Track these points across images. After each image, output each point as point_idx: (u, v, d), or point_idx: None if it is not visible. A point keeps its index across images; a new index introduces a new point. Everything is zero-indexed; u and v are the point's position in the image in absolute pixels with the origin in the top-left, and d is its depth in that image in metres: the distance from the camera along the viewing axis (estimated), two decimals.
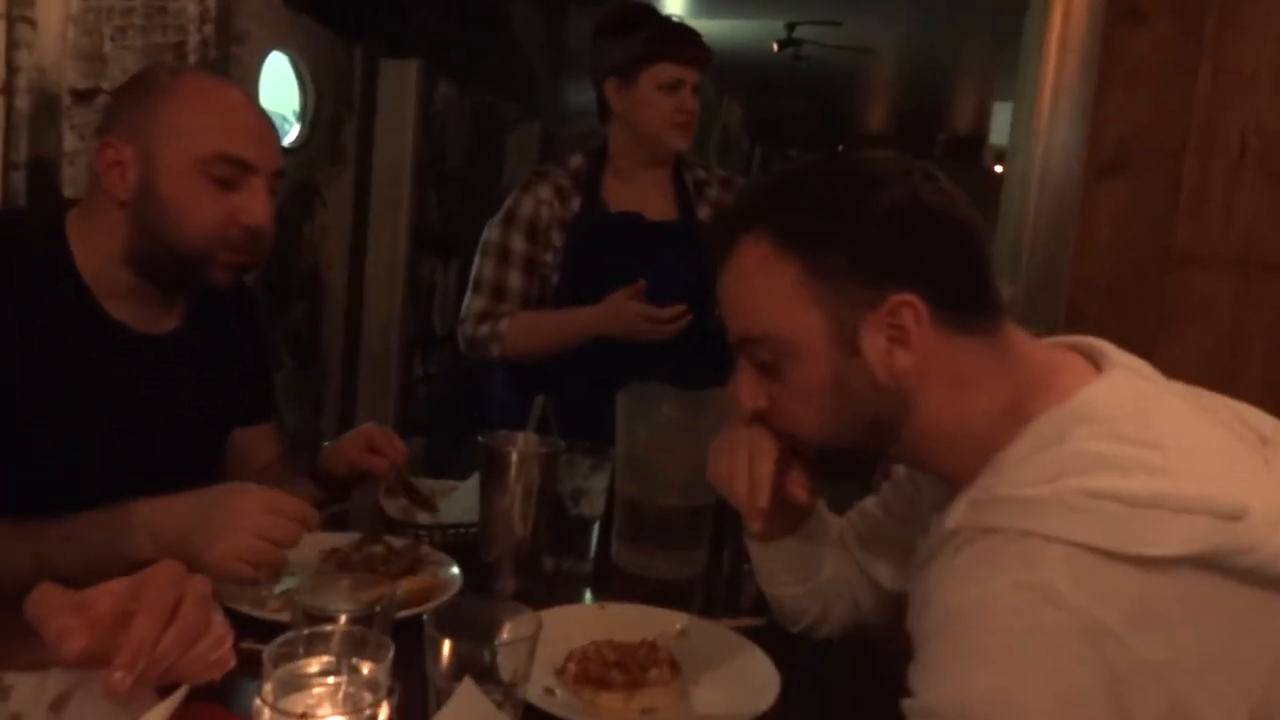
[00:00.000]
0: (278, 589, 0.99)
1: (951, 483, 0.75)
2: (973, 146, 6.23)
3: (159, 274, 1.08)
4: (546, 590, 1.10)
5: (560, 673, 0.86)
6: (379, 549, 1.07)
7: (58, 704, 0.62)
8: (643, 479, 1.20)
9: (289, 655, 0.71)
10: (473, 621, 0.79)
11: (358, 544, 1.09)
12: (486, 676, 0.76)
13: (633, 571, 1.19)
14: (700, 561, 1.21)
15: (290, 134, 2.74)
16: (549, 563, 1.15)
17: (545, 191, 1.72)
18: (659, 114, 1.68)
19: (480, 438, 1.10)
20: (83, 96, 1.86)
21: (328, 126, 2.87)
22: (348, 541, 1.10)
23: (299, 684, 0.70)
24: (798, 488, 0.88)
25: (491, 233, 1.74)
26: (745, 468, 0.87)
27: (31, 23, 1.74)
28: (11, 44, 1.71)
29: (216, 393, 1.20)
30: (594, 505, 1.18)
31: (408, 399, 3.17)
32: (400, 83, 3.01)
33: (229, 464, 1.24)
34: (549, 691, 0.83)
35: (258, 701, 0.66)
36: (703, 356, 1.70)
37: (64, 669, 0.63)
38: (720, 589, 1.17)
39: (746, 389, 0.81)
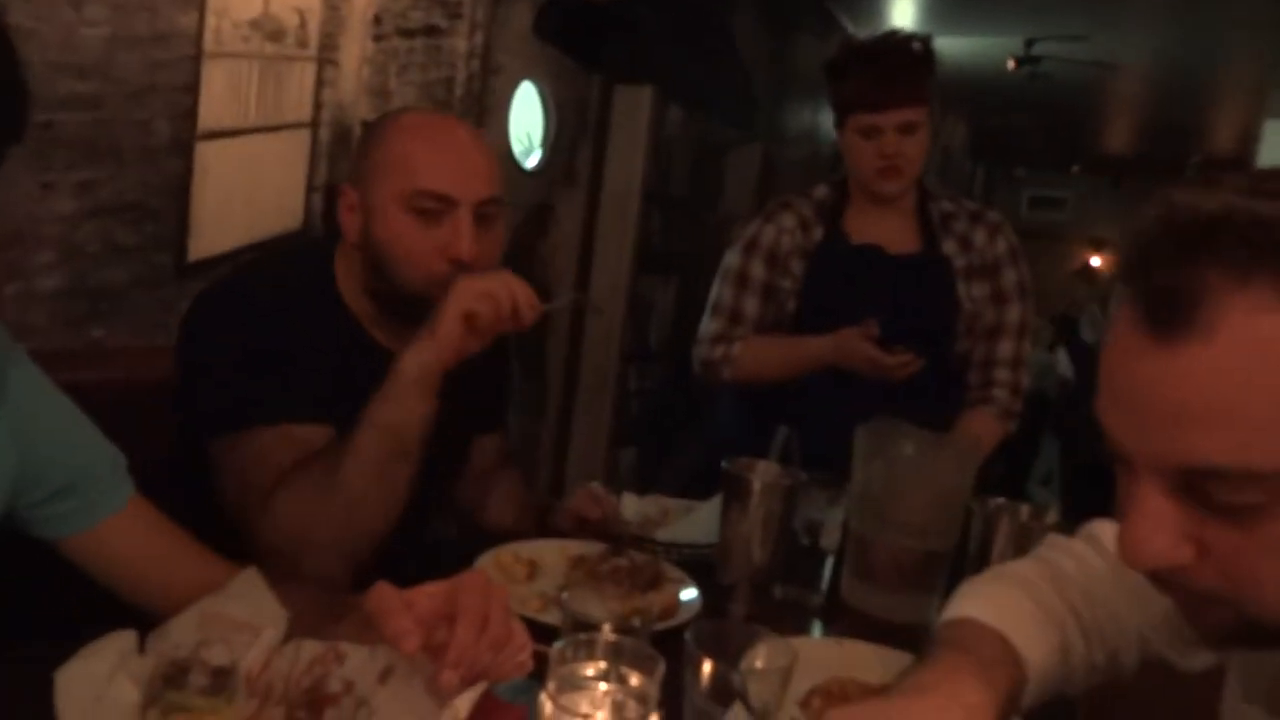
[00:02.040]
0: (535, 590, 1.08)
1: None
2: (1235, 169, 5.61)
3: (395, 309, 1.13)
4: (776, 618, 1.12)
5: (804, 705, 0.87)
6: (623, 562, 1.14)
7: (384, 675, 0.71)
8: (876, 516, 1.18)
9: (566, 658, 0.77)
10: (730, 644, 0.82)
11: (603, 555, 1.16)
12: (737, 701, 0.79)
13: (863, 610, 1.18)
14: (934, 607, 1.18)
15: (532, 158, 2.94)
16: (779, 591, 1.17)
17: (788, 220, 1.75)
18: (860, 159, 1.66)
19: (724, 464, 1.13)
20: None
21: (565, 150, 3.05)
22: (593, 551, 1.17)
23: (576, 685, 0.76)
24: None
25: (732, 259, 1.78)
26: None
27: (336, 64, 1.99)
28: (319, 83, 1.96)
29: (465, 406, 1.27)
30: (829, 539, 1.18)
31: (622, 411, 3.29)
32: (633, 107, 3.15)
33: None
34: None
35: (543, 697, 0.72)
36: (944, 399, 1.66)
37: (390, 647, 0.72)
38: None
39: (1163, 527, 0.50)
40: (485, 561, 1.11)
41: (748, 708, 0.74)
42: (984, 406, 1.72)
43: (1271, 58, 4.33)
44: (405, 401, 1.02)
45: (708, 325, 1.77)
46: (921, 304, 1.69)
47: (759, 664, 0.81)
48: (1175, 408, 0.48)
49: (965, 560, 1.17)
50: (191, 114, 1.76)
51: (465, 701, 0.67)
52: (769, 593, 1.14)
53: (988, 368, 1.73)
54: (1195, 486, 0.49)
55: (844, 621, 1.15)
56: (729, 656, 0.80)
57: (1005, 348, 1.73)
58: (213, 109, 1.79)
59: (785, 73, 4.55)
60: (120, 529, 0.83)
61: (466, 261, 1.07)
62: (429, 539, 1.31)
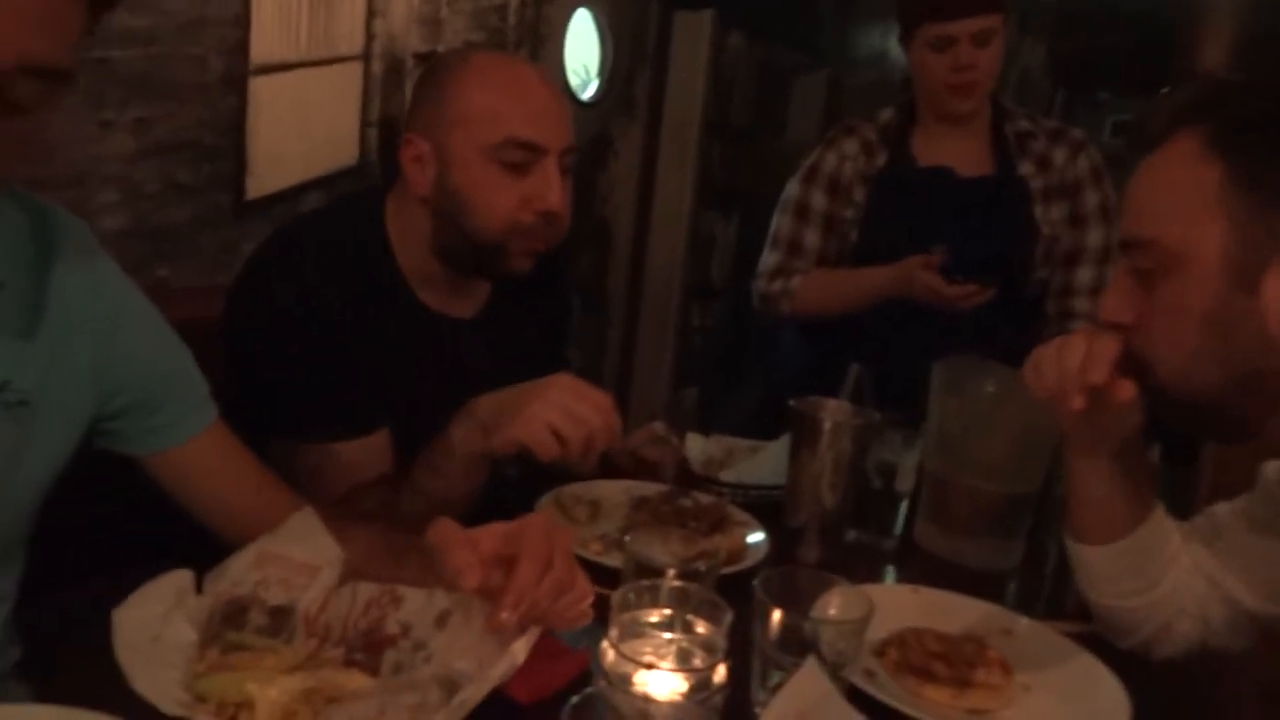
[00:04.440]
0: (596, 531, 1.05)
1: None
2: None
3: (462, 263, 1.08)
4: (847, 563, 1.07)
5: (880, 655, 0.83)
6: (687, 503, 1.10)
7: (441, 619, 0.69)
8: (954, 457, 1.12)
9: (629, 603, 0.74)
10: (801, 592, 0.78)
11: (666, 496, 1.12)
12: (812, 650, 0.75)
13: (938, 555, 1.13)
14: (1016, 554, 1.13)
15: (589, 89, 2.85)
16: (851, 535, 1.12)
17: (850, 146, 1.66)
18: (931, 75, 1.55)
19: (792, 402, 1.08)
20: (422, 59, 2.05)
21: (623, 80, 2.95)
22: (656, 492, 1.14)
23: (639, 632, 0.73)
24: (1125, 391, 0.75)
25: (791, 188, 1.70)
26: (1081, 346, 0.77)
27: None
28: (370, 13, 1.91)
29: (515, 372, 1.15)
30: (904, 481, 1.13)
31: (684, 349, 3.25)
32: (693, 34, 3.02)
33: None
34: (869, 674, 0.80)
35: (604, 643, 0.70)
36: (1025, 331, 1.57)
37: (446, 590, 0.70)
38: (1038, 585, 1.08)
39: (1116, 296, 0.75)
40: (546, 501, 1.09)
41: (821, 659, 0.70)
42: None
43: None
44: (453, 478, 0.97)
45: (767, 258, 1.70)
46: (994, 229, 1.58)
47: (832, 613, 0.77)
48: (1130, 196, 0.75)
49: (1049, 504, 1.10)
50: (243, 47, 1.73)
51: (524, 645, 0.65)
52: (840, 537, 1.09)
53: (1065, 296, 1.62)
54: (1130, 258, 0.74)
55: (919, 567, 1.10)
56: (799, 604, 0.77)
57: (1084, 275, 1.61)
58: (264, 42, 1.75)
59: None
60: (205, 449, 0.83)
61: (556, 212, 1.02)
62: (489, 479, 1.30)
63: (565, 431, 0.90)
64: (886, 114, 1.68)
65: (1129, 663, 0.86)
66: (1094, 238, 1.61)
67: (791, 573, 0.81)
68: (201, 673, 0.66)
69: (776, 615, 0.74)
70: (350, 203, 1.16)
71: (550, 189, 1.01)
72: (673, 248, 3.10)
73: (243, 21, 1.72)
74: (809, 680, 0.67)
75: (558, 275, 1.26)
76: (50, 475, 0.76)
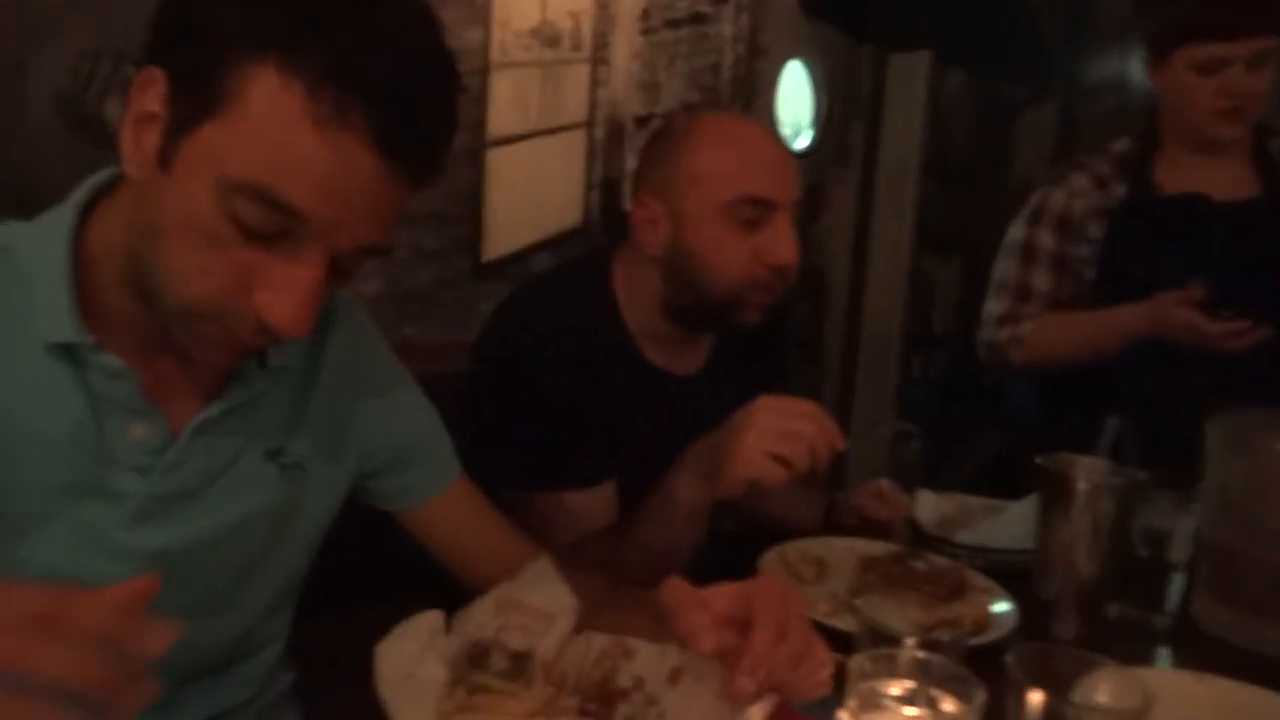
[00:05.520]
0: (824, 591, 1.01)
1: None
2: None
3: (693, 319, 1.10)
4: (1110, 642, 0.96)
5: None
6: (921, 565, 1.03)
7: (673, 676, 0.69)
8: (1244, 524, 0.98)
9: (866, 672, 0.70)
10: (1060, 672, 0.70)
11: (897, 557, 1.06)
12: None
13: (1223, 637, 0.99)
14: None
15: (802, 139, 2.85)
16: (1114, 610, 1.00)
17: (1081, 181, 1.54)
18: (1194, 101, 1.40)
19: (1039, 460, 0.99)
20: (641, 122, 2.13)
21: (836, 128, 2.92)
22: (885, 552, 1.08)
23: (878, 704, 0.69)
24: None
25: (1016, 231, 1.60)
26: None
27: (607, 63, 2.04)
28: (594, 83, 2.02)
29: (739, 396, 1.21)
30: (1178, 550, 1.00)
31: (905, 400, 3.11)
32: (909, 76, 2.95)
33: None
34: None
35: (842, 714, 0.66)
36: None
37: (679, 648, 0.69)
38: None
39: None
40: (771, 559, 1.06)
41: None
42: None
43: None
44: (673, 529, 0.97)
45: (992, 305, 1.60)
46: (1263, 258, 1.39)
47: (1101, 699, 0.69)
48: None
49: None
50: (481, 124, 1.88)
51: (760, 712, 0.63)
52: (1100, 612, 0.98)
53: None
54: None
55: (1200, 651, 0.97)
56: (1058, 686, 0.69)
57: None
58: (499, 117, 1.90)
59: (1084, 14, 4.04)
60: (450, 504, 0.88)
61: (789, 265, 1.04)
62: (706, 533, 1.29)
63: (784, 452, 0.87)
64: (1121, 144, 1.55)
65: None
66: None
67: (1048, 650, 0.73)
68: (450, 711, 0.69)
69: (1036, 698, 0.67)
70: (579, 264, 1.22)
71: (783, 243, 1.03)
72: (891, 295, 3.00)
73: (481, 100, 1.88)
74: None
75: (775, 329, 1.26)
76: (320, 530, 0.83)
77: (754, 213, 1.02)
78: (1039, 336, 1.53)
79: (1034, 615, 0.97)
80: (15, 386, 0.64)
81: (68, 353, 0.64)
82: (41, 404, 0.64)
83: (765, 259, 1.03)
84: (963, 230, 3.22)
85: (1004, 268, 1.60)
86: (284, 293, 0.61)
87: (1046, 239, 1.55)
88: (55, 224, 0.66)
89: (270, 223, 0.59)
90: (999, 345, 1.58)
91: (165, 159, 0.60)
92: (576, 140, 2.05)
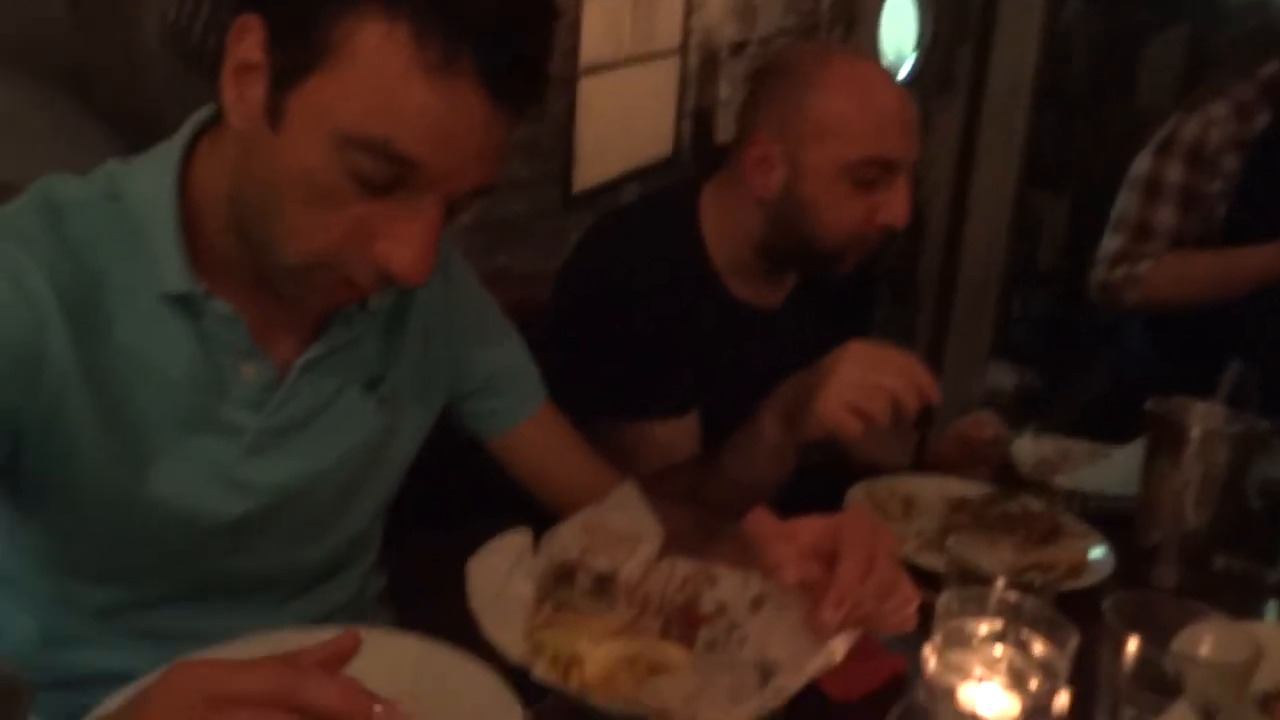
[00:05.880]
0: (911, 529, 1.00)
1: None
2: None
3: (788, 262, 1.08)
4: (1213, 594, 0.92)
5: (1267, 711, 0.70)
6: (1014, 508, 1.01)
7: (755, 604, 0.69)
8: None
9: (954, 611, 0.69)
10: (1159, 622, 0.68)
11: (989, 498, 1.04)
12: (1173, 689, 0.65)
13: None
14: None
15: (904, 67, 2.72)
16: (1220, 562, 0.96)
17: (1219, 109, 1.42)
18: None
19: (1150, 404, 0.95)
20: (736, 50, 2.07)
21: (942, 53, 2.78)
22: (978, 494, 1.06)
23: (965, 643, 0.68)
24: None
25: (1141, 163, 1.50)
26: None
27: None
28: (688, 9, 1.96)
29: (827, 330, 1.16)
30: None
31: (1002, 340, 3.00)
32: None
33: None
34: None
35: (927, 649, 0.65)
36: None
37: (763, 577, 0.69)
38: None
39: None
40: (858, 495, 1.05)
41: (1194, 704, 0.61)
42: None
43: None
44: (761, 466, 0.97)
45: (1109, 242, 1.51)
46: None
47: (1204, 651, 0.66)
48: None
49: None
50: (574, 51, 1.86)
51: (843, 644, 0.63)
52: (1205, 563, 0.94)
53: None
54: None
55: None
56: (1157, 635, 0.67)
57: None
58: (591, 45, 1.87)
59: None
60: (536, 431, 0.90)
61: (899, 229, 1.02)
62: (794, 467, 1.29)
63: (865, 406, 0.85)
64: (1271, 68, 1.42)
65: None
66: None
67: (1149, 598, 0.71)
68: (538, 625, 0.72)
69: (1133, 644, 0.65)
70: (666, 194, 1.20)
71: (898, 205, 1.00)
72: (993, 231, 2.87)
73: (574, 27, 1.85)
74: None
75: (866, 266, 1.23)
76: (411, 455, 0.86)
77: (877, 173, 0.99)
78: (1158, 277, 1.45)
79: (1132, 563, 0.94)
80: (134, 330, 0.66)
81: (181, 301, 0.67)
82: (158, 346, 0.67)
83: (877, 219, 1.00)
84: (1077, 164, 3.04)
85: (1125, 202, 1.51)
86: (406, 242, 0.61)
87: (1175, 172, 1.45)
88: (161, 168, 0.67)
89: (387, 174, 0.59)
90: (1113, 285, 1.50)
91: (273, 114, 0.59)
92: (669, 68, 2.00)
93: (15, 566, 0.75)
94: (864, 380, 0.86)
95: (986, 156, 2.86)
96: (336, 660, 0.47)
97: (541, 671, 0.64)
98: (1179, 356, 1.43)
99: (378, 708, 0.42)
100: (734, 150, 1.08)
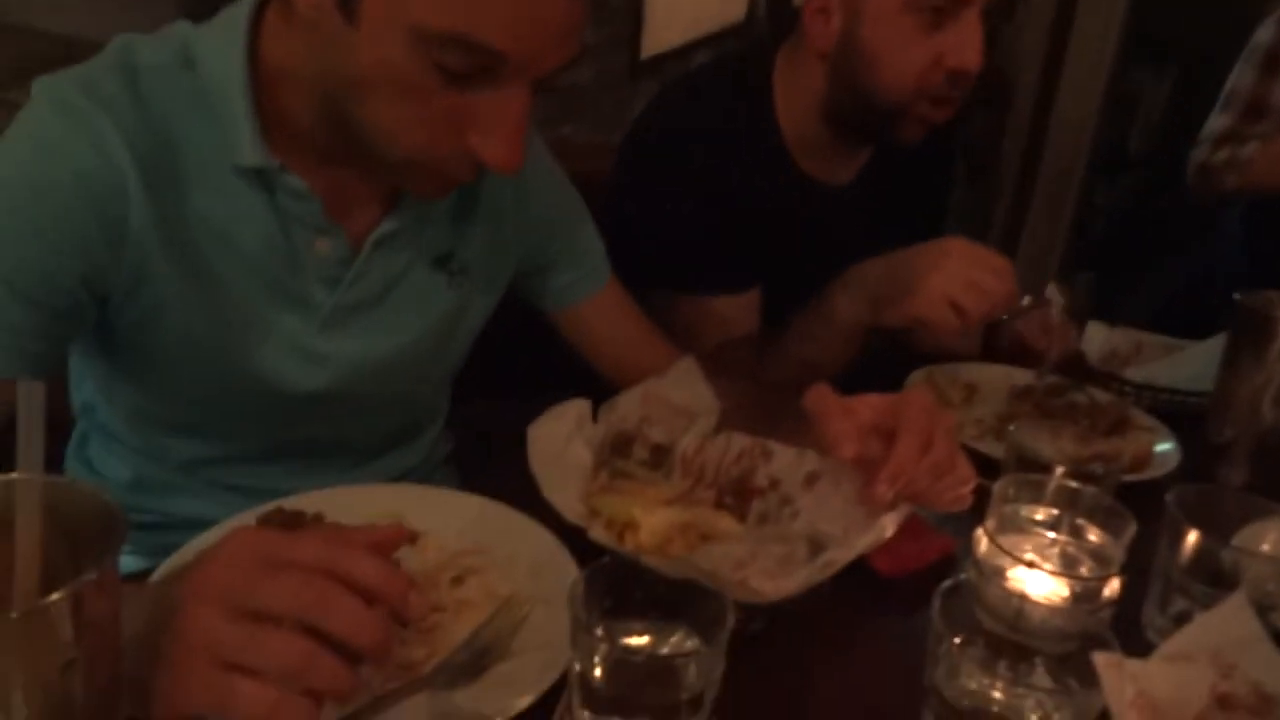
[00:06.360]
0: (972, 415, 0.99)
1: None
2: None
3: (853, 126, 1.03)
4: None
5: None
6: (1081, 398, 0.99)
7: (809, 480, 0.70)
8: None
9: (1011, 496, 0.69)
10: (1223, 516, 0.67)
11: (1054, 388, 1.02)
12: (1228, 582, 0.65)
13: None
14: None
15: None
16: None
17: None
18: None
19: (1238, 295, 0.90)
20: None
21: None
22: (1043, 383, 1.04)
23: (1019, 527, 0.68)
24: None
25: (1263, 33, 1.37)
26: None
27: None
28: None
29: (888, 241, 1.09)
30: None
31: (1082, 228, 2.87)
32: None
33: None
34: None
35: (979, 532, 0.66)
36: None
37: (818, 454, 0.70)
38: None
39: None
40: (918, 378, 1.04)
41: (1251, 598, 0.60)
42: None
43: None
44: (830, 347, 0.96)
45: (1215, 120, 1.41)
46: None
47: (1265, 547, 0.65)
48: None
49: None
50: None
51: (893, 520, 0.63)
52: (1276, 462, 0.91)
53: None
54: None
55: None
56: (1219, 530, 0.66)
57: None
58: None
59: None
60: (600, 306, 0.92)
61: (969, 71, 0.93)
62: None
63: (967, 305, 0.86)
64: None
65: None
66: None
67: (1214, 493, 0.70)
68: (595, 491, 0.74)
69: (1192, 537, 0.64)
70: (737, 60, 1.15)
71: (969, 45, 0.92)
72: (1085, 109, 2.70)
73: None
74: (1235, 617, 0.58)
75: (943, 146, 1.17)
76: (478, 329, 0.87)
77: (943, 3, 0.92)
78: (1265, 161, 1.35)
79: (1199, 460, 0.92)
80: (210, 200, 0.67)
81: (256, 175, 0.67)
82: (234, 218, 0.68)
83: (946, 61, 0.93)
84: (1182, 36, 2.81)
85: (1239, 76, 1.40)
86: (497, 132, 0.61)
87: None
88: (228, 38, 0.66)
89: (470, 65, 0.58)
90: (1213, 168, 1.41)
91: (348, 8, 0.58)
92: None
93: (112, 420, 0.80)
94: (969, 277, 0.87)
95: (1083, 25, 2.65)
96: (385, 546, 0.49)
97: (598, 533, 0.67)
98: (1274, 251, 1.35)
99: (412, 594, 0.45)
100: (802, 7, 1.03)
